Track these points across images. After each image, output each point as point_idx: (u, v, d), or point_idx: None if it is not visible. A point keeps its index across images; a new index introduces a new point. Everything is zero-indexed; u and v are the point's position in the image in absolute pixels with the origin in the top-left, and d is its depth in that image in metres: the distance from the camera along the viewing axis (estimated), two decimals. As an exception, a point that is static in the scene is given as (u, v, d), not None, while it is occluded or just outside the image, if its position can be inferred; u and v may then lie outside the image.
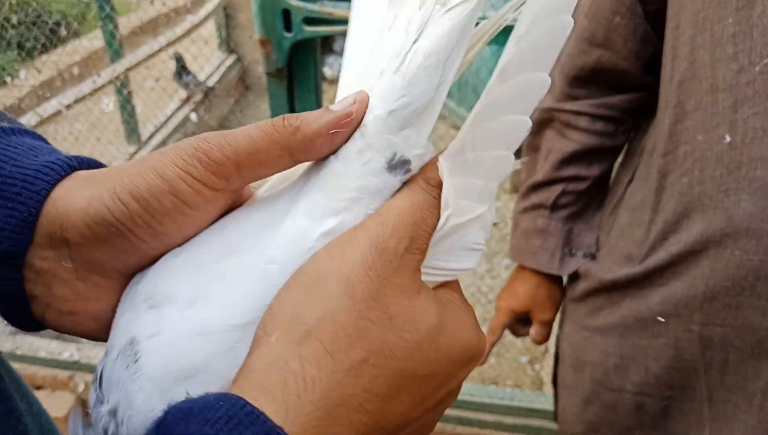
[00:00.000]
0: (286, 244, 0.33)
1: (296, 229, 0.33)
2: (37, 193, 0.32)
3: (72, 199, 0.32)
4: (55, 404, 1.93)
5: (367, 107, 0.35)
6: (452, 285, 0.37)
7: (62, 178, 0.33)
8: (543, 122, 0.97)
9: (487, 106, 0.34)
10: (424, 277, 0.34)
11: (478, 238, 0.36)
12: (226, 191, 0.34)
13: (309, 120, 0.34)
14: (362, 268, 0.31)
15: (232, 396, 0.27)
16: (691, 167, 0.73)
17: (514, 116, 0.34)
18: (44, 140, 0.37)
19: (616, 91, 0.91)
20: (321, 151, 0.35)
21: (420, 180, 0.35)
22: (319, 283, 0.31)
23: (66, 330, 0.35)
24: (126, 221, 0.32)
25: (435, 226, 0.34)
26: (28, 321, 0.35)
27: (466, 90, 3.71)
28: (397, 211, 0.33)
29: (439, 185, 0.34)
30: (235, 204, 0.36)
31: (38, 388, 2.01)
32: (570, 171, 0.95)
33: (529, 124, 0.34)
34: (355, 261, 0.31)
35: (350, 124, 0.35)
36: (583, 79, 0.91)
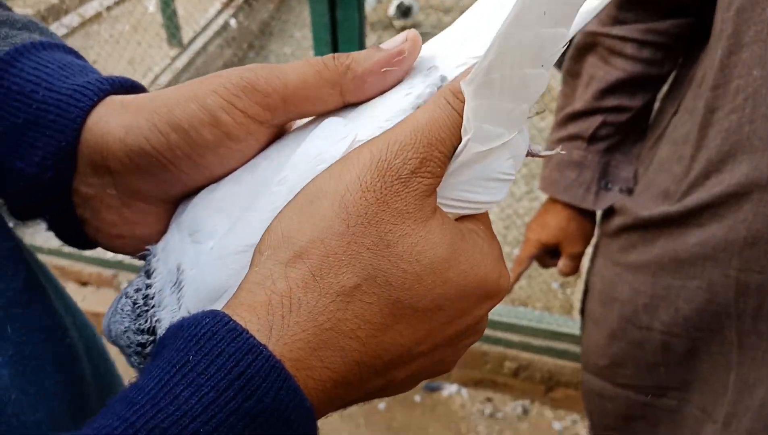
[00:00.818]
0: (297, 165, 0.32)
1: (310, 151, 0.32)
2: (73, 122, 0.32)
3: (109, 127, 0.32)
4: (99, 300, 2.03)
5: (419, 46, 0.34)
6: (480, 216, 0.34)
7: (95, 103, 0.33)
8: (585, 47, 0.91)
9: (518, 17, 0.29)
10: (446, 210, 0.32)
11: (506, 168, 0.33)
12: (270, 125, 0.33)
13: (360, 58, 0.33)
14: (359, 188, 0.29)
15: (218, 313, 0.27)
16: (743, 104, 0.68)
17: (549, 29, 0.29)
18: (76, 54, 0.37)
19: (668, 16, 0.84)
20: (371, 90, 0.34)
21: (445, 92, 0.31)
22: (314, 203, 0.29)
23: (117, 251, 0.36)
24: (166, 153, 0.32)
25: (454, 149, 0.31)
26: (82, 242, 0.36)
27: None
28: (411, 128, 0.30)
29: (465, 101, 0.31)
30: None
31: (84, 284, 2.11)
32: (612, 101, 0.90)
33: (567, 37, 0.30)
34: (352, 180, 0.29)
35: (402, 63, 0.33)
36: (633, 1, 0.85)
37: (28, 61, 0.33)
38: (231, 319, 0.26)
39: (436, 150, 0.30)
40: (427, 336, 0.31)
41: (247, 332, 0.26)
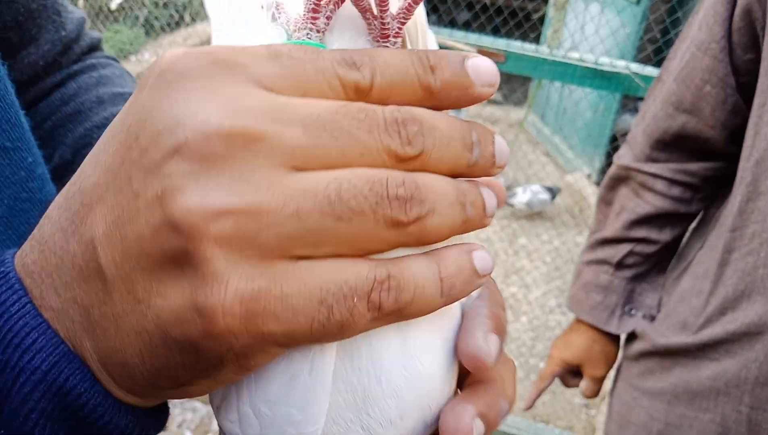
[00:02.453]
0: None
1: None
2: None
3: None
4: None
5: None
6: None
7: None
8: (619, 179, 0.96)
9: None
10: None
11: None
12: None
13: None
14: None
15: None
16: (758, 248, 0.72)
17: None
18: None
19: (698, 159, 0.90)
20: None
21: None
22: None
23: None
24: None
25: None
26: None
27: (563, 119, 3.66)
28: None
29: None
30: None
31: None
32: (640, 232, 0.94)
33: None
34: None
35: None
36: (666, 143, 0.90)
37: None
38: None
39: None
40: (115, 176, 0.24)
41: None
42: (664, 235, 0.94)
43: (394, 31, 0.29)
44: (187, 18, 4.32)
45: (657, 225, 0.94)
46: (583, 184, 3.44)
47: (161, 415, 0.29)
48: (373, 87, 0.24)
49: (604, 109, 3.28)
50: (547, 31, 3.60)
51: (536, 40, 3.36)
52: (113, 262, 0.23)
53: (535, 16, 2.86)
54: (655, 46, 2.43)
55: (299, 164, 0.22)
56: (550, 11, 3.64)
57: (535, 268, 2.91)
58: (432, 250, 0.25)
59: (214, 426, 1.93)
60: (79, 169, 0.25)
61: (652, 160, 0.92)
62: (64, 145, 0.52)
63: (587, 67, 1.15)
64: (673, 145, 0.90)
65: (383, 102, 0.24)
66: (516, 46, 1.36)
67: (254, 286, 0.22)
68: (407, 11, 0.29)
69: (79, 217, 0.24)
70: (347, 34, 0.29)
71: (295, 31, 0.28)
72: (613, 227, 0.96)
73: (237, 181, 0.22)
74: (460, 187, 0.25)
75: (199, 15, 4.29)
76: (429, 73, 0.25)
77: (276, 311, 0.22)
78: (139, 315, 0.23)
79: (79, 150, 0.52)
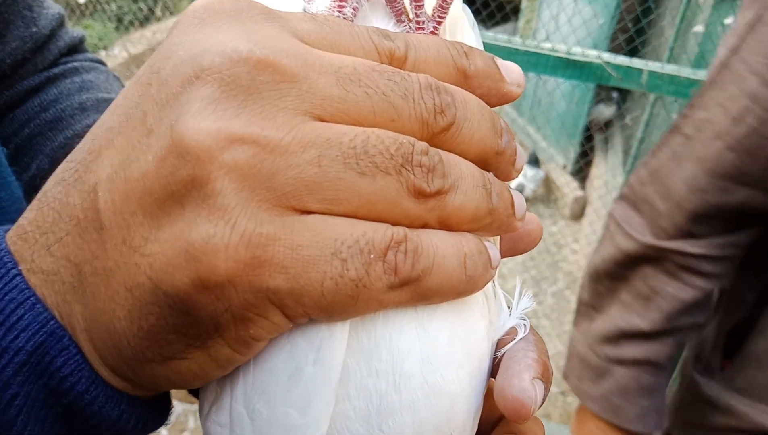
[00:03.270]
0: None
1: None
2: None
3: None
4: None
5: None
6: None
7: None
8: (643, 258, 0.79)
9: None
10: None
11: None
12: None
13: None
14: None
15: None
16: None
17: None
18: None
19: (749, 224, 0.75)
20: None
21: None
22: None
23: None
24: None
25: None
26: None
27: (537, 110, 3.68)
28: None
29: None
30: None
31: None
32: (687, 320, 0.78)
33: None
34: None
35: None
36: (709, 216, 0.74)
37: None
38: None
39: None
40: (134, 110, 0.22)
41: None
42: (708, 312, 0.80)
43: (429, 31, 0.27)
44: (158, 12, 4.25)
45: (705, 307, 0.79)
46: (557, 174, 3.46)
47: (162, 409, 0.26)
48: (408, 58, 0.23)
49: (578, 99, 3.30)
50: (520, 22, 3.61)
51: (510, 30, 3.36)
52: (112, 206, 0.21)
53: (509, 7, 2.86)
54: (626, 36, 2.45)
55: (326, 115, 0.21)
56: (524, 2, 3.65)
57: (510, 258, 2.92)
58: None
59: (191, 424, 1.91)
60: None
61: (690, 235, 0.75)
62: (42, 155, 0.49)
63: (560, 57, 1.15)
64: (718, 217, 0.74)
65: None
66: (489, 36, 1.36)
67: (263, 230, 0.20)
68: (442, 9, 0.27)
69: (84, 166, 0.22)
70: None
71: None
72: (650, 319, 0.78)
73: (259, 115, 0.20)
74: (487, 174, 0.24)
75: (169, 9, 4.22)
76: (464, 57, 0.25)
77: (285, 262, 0.20)
78: (131, 267, 0.21)
79: (57, 160, 0.48)
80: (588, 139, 3.38)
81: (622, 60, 1.14)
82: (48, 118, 0.50)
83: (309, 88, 0.21)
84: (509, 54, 1.21)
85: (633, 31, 2.28)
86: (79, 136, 0.49)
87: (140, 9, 4.06)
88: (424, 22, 0.27)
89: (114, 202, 0.21)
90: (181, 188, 0.20)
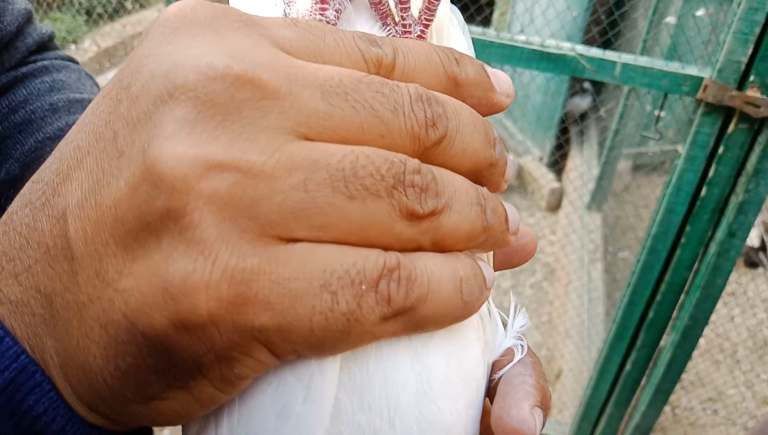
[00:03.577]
0: None
1: None
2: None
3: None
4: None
5: None
6: None
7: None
8: None
9: None
10: None
11: None
12: None
13: None
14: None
15: None
16: None
17: None
18: None
19: None
20: None
21: None
22: None
23: None
24: None
25: None
26: None
27: (513, 103, 3.69)
28: None
29: None
30: None
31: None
32: None
33: None
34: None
35: None
36: None
37: None
38: None
39: None
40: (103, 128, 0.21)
41: None
42: None
43: (416, 35, 0.26)
44: (128, 5, 4.18)
45: None
46: (534, 166, 3.47)
47: None
48: (396, 65, 0.22)
49: (554, 92, 3.32)
50: (495, 14, 3.62)
51: (485, 23, 3.37)
52: (83, 236, 0.19)
53: (484, 0, 2.86)
54: (600, 28, 2.46)
55: (312, 134, 0.19)
56: (498, -6, 3.65)
57: (489, 251, 2.93)
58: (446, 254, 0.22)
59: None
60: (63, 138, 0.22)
61: None
62: (12, 159, 0.47)
63: (534, 50, 1.15)
64: None
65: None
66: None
67: (246, 264, 0.18)
68: (429, 11, 0.26)
69: (51, 188, 0.21)
70: None
71: None
72: None
73: (239, 137, 0.18)
74: (480, 189, 0.23)
75: (140, 1, 4.15)
76: (455, 64, 0.23)
77: (270, 298, 0.18)
78: (105, 302, 0.19)
79: (28, 164, 0.47)
80: (563, 131, 3.39)
81: (595, 52, 1.14)
82: (17, 121, 0.48)
83: (292, 105, 0.19)
84: (483, 47, 1.20)
85: (606, 23, 2.29)
86: (51, 139, 0.47)
87: (110, 1, 3.99)
88: (410, 25, 0.26)
89: (85, 230, 0.19)
90: (156, 219, 0.18)
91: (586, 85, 3.43)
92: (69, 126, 0.47)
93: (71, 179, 0.20)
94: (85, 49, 3.80)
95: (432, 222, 0.21)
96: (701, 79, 1.05)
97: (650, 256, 1.21)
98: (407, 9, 0.26)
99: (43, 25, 0.53)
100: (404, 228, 0.20)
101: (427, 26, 0.26)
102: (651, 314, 1.27)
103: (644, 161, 3.30)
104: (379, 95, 0.20)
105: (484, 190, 0.23)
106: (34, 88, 0.49)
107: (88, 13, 4.04)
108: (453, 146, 0.22)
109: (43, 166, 0.22)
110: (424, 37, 0.26)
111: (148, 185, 0.18)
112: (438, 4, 0.26)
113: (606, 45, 2.21)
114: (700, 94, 1.06)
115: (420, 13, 0.26)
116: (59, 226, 0.20)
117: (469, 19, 2.32)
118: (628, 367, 1.36)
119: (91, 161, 0.20)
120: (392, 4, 0.26)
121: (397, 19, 0.26)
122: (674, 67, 1.08)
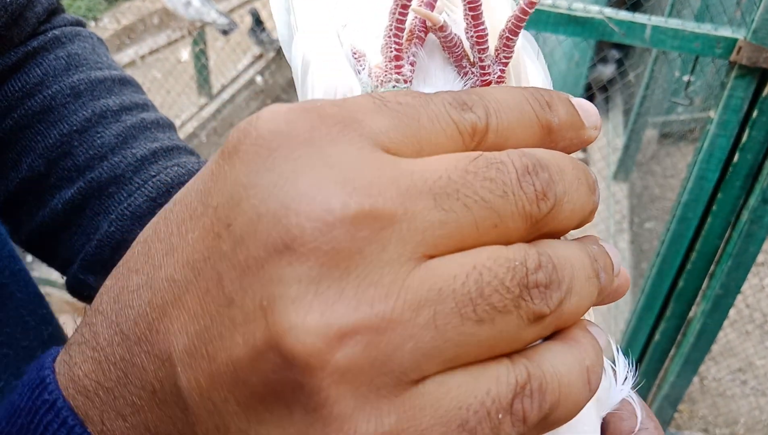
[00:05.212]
0: None
1: None
2: None
3: None
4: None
5: None
6: None
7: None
8: None
9: None
10: None
11: None
12: None
13: None
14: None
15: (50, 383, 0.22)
16: None
17: None
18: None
19: None
20: None
21: None
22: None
23: None
24: None
25: None
26: None
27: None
28: None
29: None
30: None
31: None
32: None
33: None
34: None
35: None
36: None
37: None
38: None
39: None
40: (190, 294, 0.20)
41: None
42: None
43: (496, 76, 0.24)
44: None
45: None
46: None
47: None
48: (489, 127, 0.21)
49: (579, 59, 3.25)
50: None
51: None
52: (197, 388, 0.18)
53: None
54: (627, -8, 2.39)
55: (430, 250, 0.18)
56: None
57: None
58: (561, 333, 0.21)
59: None
60: (138, 246, 0.21)
61: None
62: (34, 154, 0.44)
63: (561, 14, 1.11)
64: None
65: (499, 145, 0.21)
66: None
67: (386, 427, 0.17)
68: (507, 48, 0.24)
69: (146, 322, 0.20)
70: (438, 86, 0.25)
71: (378, 85, 0.24)
72: None
73: (364, 282, 0.17)
74: (591, 251, 0.21)
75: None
76: (547, 109, 0.22)
77: None
78: None
79: (55, 161, 0.43)
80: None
81: (624, 15, 1.10)
82: (35, 108, 0.44)
83: (409, 226, 0.18)
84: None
85: (634, -13, 2.22)
86: (78, 132, 0.43)
87: (129, -22, 3.98)
88: (489, 66, 0.24)
89: (198, 382, 0.18)
90: (285, 389, 0.17)
91: (613, 52, 3.35)
92: (95, 115, 0.44)
93: (170, 317, 0.19)
94: (105, 26, 3.80)
95: (555, 315, 0.20)
96: (735, 40, 1.01)
97: (680, 224, 1.18)
98: (485, 50, 0.24)
99: None
100: (530, 333, 0.19)
101: (506, 65, 0.25)
102: (681, 284, 1.25)
103: (672, 129, 3.23)
104: (488, 182, 0.19)
105: (595, 249, 0.22)
106: (49, 65, 0.46)
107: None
108: (562, 210, 0.21)
109: (122, 279, 0.21)
110: (504, 77, 0.25)
111: (275, 355, 0.17)
112: (516, 40, 0.24)
113: (634, 8, 2.14)
114: (733, 57, 1.02)
115: (497, 51, 0.24)
116: (165, 370, 0.19)
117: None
118: (656, 337, 1.34)
119: (193, 301, 0.19)
120: (467, 45, 0.24)
121: (472, 59, 0.24)
122: (706, 28, 1.05)
